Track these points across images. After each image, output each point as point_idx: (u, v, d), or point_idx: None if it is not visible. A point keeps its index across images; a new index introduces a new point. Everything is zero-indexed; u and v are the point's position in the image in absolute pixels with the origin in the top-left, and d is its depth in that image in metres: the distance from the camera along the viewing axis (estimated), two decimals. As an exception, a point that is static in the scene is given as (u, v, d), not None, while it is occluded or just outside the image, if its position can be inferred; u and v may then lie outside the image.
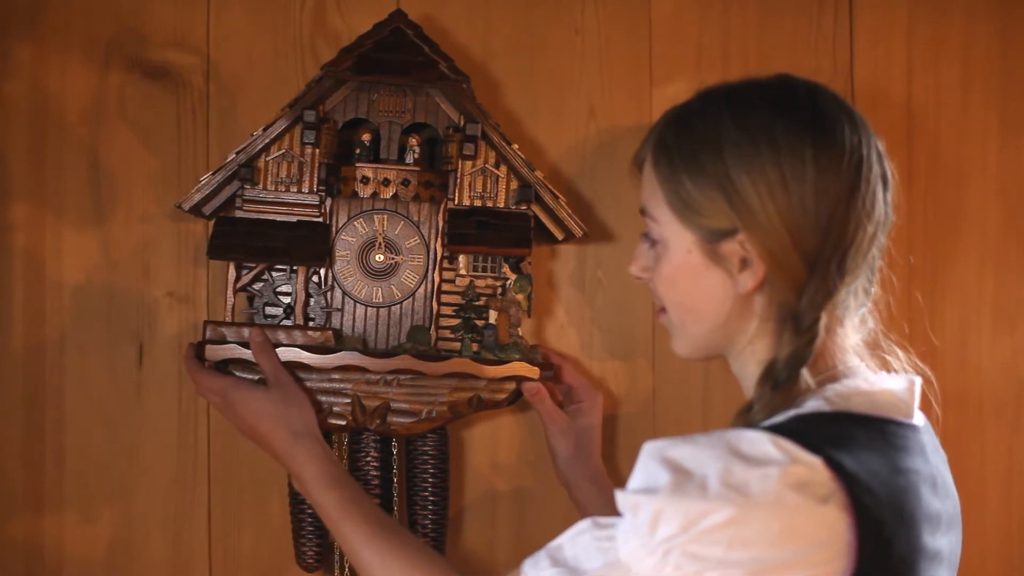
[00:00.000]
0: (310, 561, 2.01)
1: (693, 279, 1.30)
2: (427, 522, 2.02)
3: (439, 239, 2.01)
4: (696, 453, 1.17)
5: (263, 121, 2.11)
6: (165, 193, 2.14)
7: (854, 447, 1.20)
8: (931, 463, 1.30)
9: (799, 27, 2.26)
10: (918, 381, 1.33)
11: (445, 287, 2.00)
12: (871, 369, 1.35)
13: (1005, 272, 2.29)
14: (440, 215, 2.01)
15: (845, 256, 1.27)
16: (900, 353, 1.38)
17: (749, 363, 1.33)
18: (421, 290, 2.02)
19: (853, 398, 1.26)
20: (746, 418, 1.26)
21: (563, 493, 2.18)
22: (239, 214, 1.96)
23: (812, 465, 1.16)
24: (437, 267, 2.00)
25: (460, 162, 1.98)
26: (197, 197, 1.97)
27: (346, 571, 2.03)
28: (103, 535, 2.13)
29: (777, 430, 1.19)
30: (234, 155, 1.96)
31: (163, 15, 2.15)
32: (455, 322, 2.00)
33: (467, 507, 2.20)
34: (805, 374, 1.25)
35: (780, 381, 1.26)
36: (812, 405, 1.23)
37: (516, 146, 2.01)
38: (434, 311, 2.00)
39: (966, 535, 2.27)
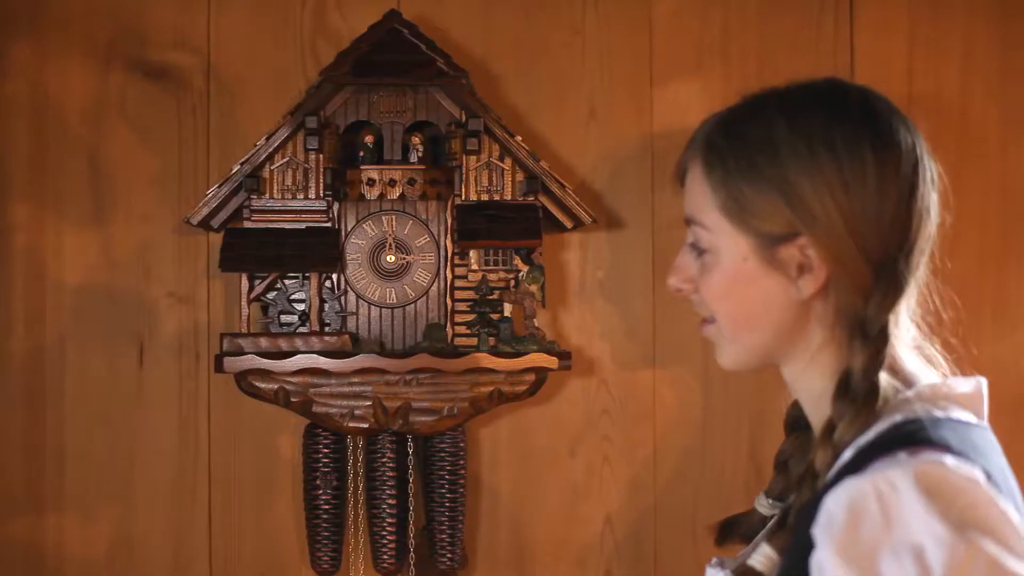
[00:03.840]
0: (325, 566, 2.01)
1: (749, 286, 1.25)
2: (443, 519, 2.03)
3: (449, 236, 2.01)
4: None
5: (264, 121, 2.11)
6: (165, 193, 2.14)
7: (981, 451, 1.18)
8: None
9: (799, 27, 2.26)
10: (984, 381, 1.30)
11: (458, 283, 2.01)
12: (934, 372, 1.32)
13: (1005, 272, 2.29)
14: (448, 212, 2.01)
15: (909, 256, 1.24)
16: (938, 355, 1.35)
17: (815, 375, 1.27)
18: (434, 288, 2.02)
19: (943, 402, 1.23)
20: (831, 440, 1.22)
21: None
22: (248, 224, 1.97)
23: (973, 478, 1.13)
24: (449, 264, 2.01)
25: (464, 157, 1.99)
26: (204, 211, 1.97)
27: (361, 574, 2.04)
28: (103, 535, 2.13)
29: (923, 438, 1.15)
30: (239, 166, 1.96)
31: (163, 15, 2.15)
32: (470, 317, 2.00)
33: (483, 503, 2.19)
34: (884, 382, 1.20)
35: (859, 393, 1.20)
36: (912, 411, 1.19)
37: (519, 138, 2.01)
38: (449, 308, 2.00)
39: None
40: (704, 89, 2.24)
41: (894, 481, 1.09)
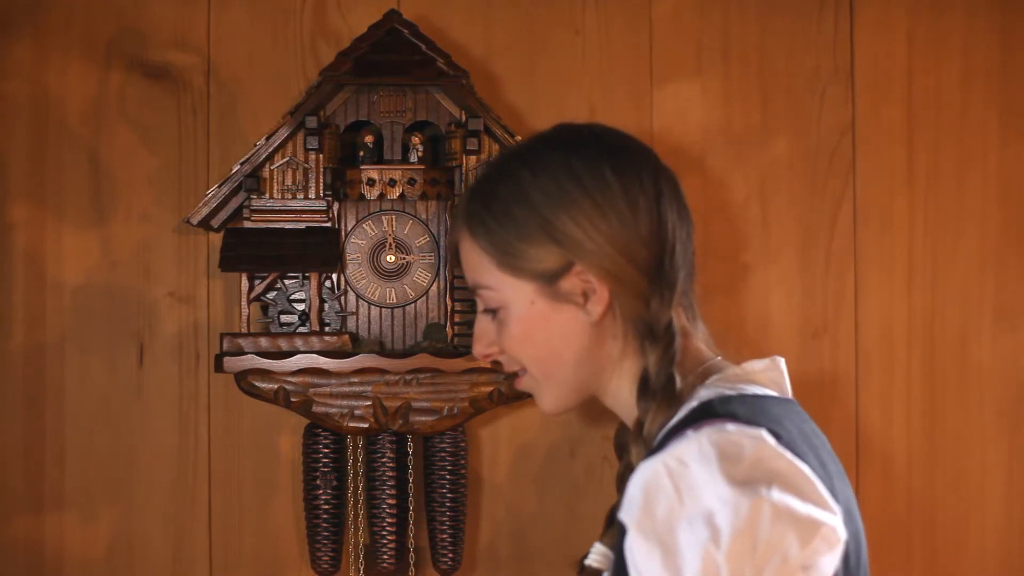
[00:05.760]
0: (325, 566, 2.01)
1: (545, 326, 1.34)
2: (444, 519, 2.03)
3: (449, 236, 2.01)
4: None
5: (264, 121, 2.11)
6: (165, 193, 2.14)
7: (774, 416, 1.24)
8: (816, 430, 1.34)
9: (799, 27, 2.27)
10: (781, 360, 1.36)
11: (458, 283, 2.01)
12: (729, 359, 1.38)
13: (1005, 272, 2.29)
14: (448, 211, 2.01)
15: (673, 255, 1.34)
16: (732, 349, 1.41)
17: (622, 386, 1.37)
18: (434, 288, 2.02)
19: (740, 383, 1.29)
20: (641, 436, 1.29)
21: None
22: (248, 224, 1.97)
23: (757, 436, 1.18)
24: (449, 264, 2.01)
25: (464, 157, 1.99)
26: (204, 211, 1.97)
27: (361, 574, 2.04)
28: (103, 535, 2.13)
29: (710, 415, 1.21)
30: (239, 166, 1.96)
31: (163, 15, 2.15)
32: (470, 317, 2.00)
33: (483, 503, 2.20)
34: (683, 376, 1.30)
35: (657, 388, 1.30)
36: (707, 394, 1.26)
37: (519, 138, 2.01)
38: (449, 308, 2.00)
39: (966, 534, 2.28)
40: (704, 89, 2.24)
41: (681, 456, 1.17)
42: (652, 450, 1.23)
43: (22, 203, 2.12)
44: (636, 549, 1.17)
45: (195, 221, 1.98)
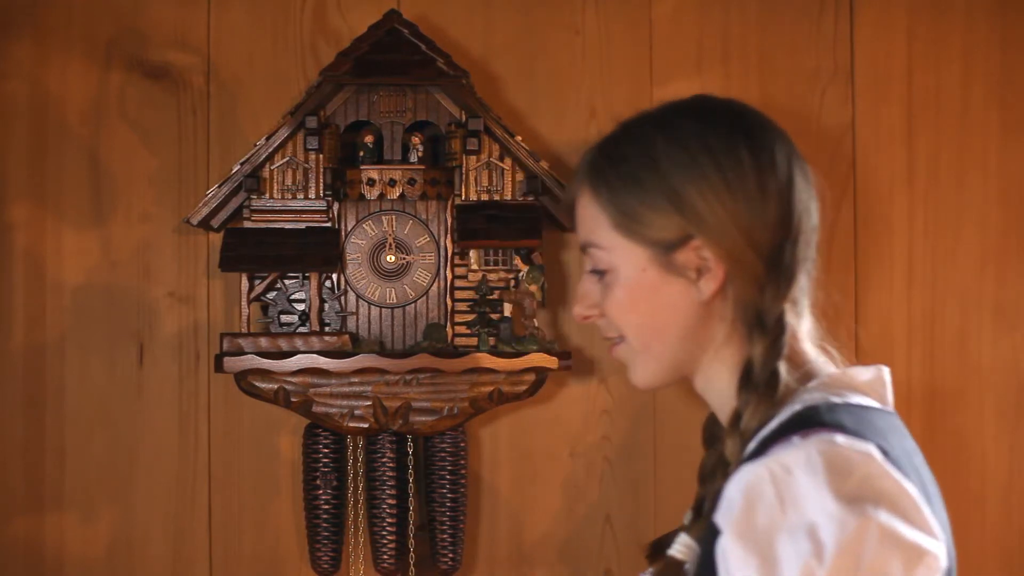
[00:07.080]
0: (325, 566, 2.01)
1: (653, 296, 1.30)
2: (445, 519, 2.04)
3: (449, 236, 2.02)
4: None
5: (264, 121, 2.11)
6: (165, 193, 2.15)
7: (880, 431, 1.21)
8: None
9: (799, 27, 2.27)
10: (886, 369, 1.34)
11: (458, 283, 2.01)
12: (833, 362, 1.35)
13: (1005, 272, 2.29)
14: (448, 211, 2.01)
15: (796, 245, 1.30)
16: (835, 351, 1.38)
17: (720, 371, 1.33)
18: (434, 288, 2.02)
19: (845, 389, 1.27)
20: (738, 429, 1.25)
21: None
22: (248, 224, 1.97)
23: (866, 452, 1.16)
24: (449, 264, 2.01)
25: (464, 157, 1.99)
26: (204, 211, 1.97)
27: (361, 574, 2.04)
28: (103, 535, 2.13)
29: (816, 423, 1.18)
30: (239, 166, 1.96)
31: (163, 15, 2.15)
32: (470, 317, 2.00)
33: (483, 503, 2.20)
34: (783, 370, 1.26)
35: (760, 381, 1.25)
36: (812, 399, 1.23)
37: (519, 138, 2.01)
38: (449, 308, 2.01)
39: (966, 534, 2.28)
40: (704, 89, 2.23)
41: (787, 464, 1.13)
42: (753, 452, 1.20)
43: (22, 203, 2.12)
44: (731, 554, 1.13)
45: (195, 221, 1.98)
